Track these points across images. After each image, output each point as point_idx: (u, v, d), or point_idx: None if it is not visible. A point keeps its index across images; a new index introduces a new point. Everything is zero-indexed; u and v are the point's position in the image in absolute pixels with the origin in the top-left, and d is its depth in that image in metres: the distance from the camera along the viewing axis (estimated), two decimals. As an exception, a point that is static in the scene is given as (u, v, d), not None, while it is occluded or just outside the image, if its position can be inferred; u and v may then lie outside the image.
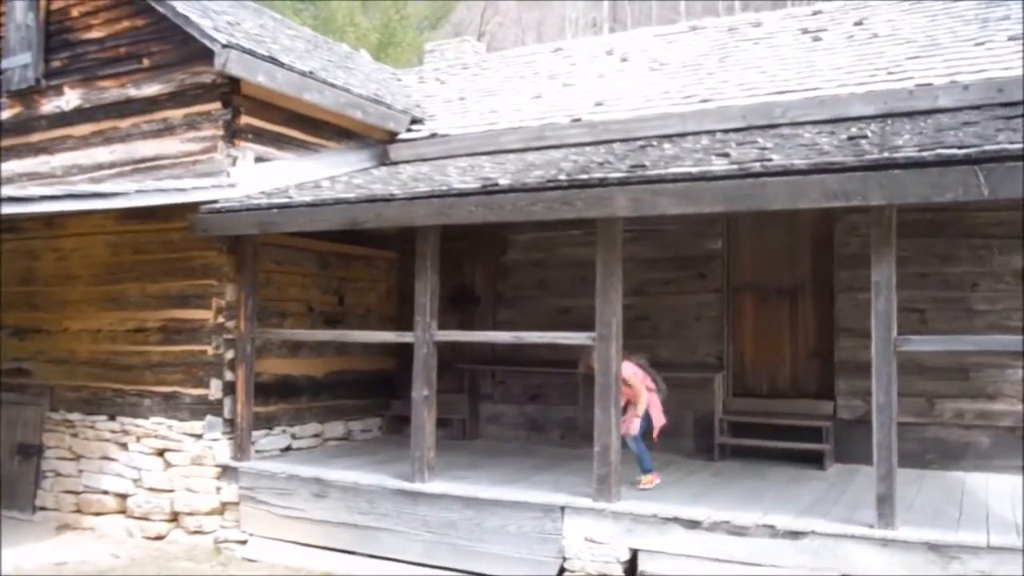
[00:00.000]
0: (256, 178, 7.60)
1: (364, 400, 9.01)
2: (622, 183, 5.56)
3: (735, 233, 8.21)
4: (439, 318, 8.95)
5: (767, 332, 8.05)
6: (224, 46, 7.07)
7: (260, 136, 7.75)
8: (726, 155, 5.95)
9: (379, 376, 9.23)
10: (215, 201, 7.19)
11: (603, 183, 5.62)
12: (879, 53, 8.05)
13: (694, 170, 5.42)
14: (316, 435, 8.36)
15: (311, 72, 7.95)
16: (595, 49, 10.61)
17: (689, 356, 8.22)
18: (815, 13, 9.99)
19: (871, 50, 8.19)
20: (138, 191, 6.53)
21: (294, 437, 8.09)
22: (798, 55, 8.66)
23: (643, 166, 5.89)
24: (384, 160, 9.12)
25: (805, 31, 9.32)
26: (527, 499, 5.98)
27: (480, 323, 8.91)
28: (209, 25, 7.21)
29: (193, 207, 7.20)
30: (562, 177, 5.85)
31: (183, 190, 6.92)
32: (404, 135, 9.11)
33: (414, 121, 9.26)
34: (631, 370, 6.34)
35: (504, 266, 9.08)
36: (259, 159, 7.72)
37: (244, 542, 7.05)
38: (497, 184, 5.95)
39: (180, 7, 7.35)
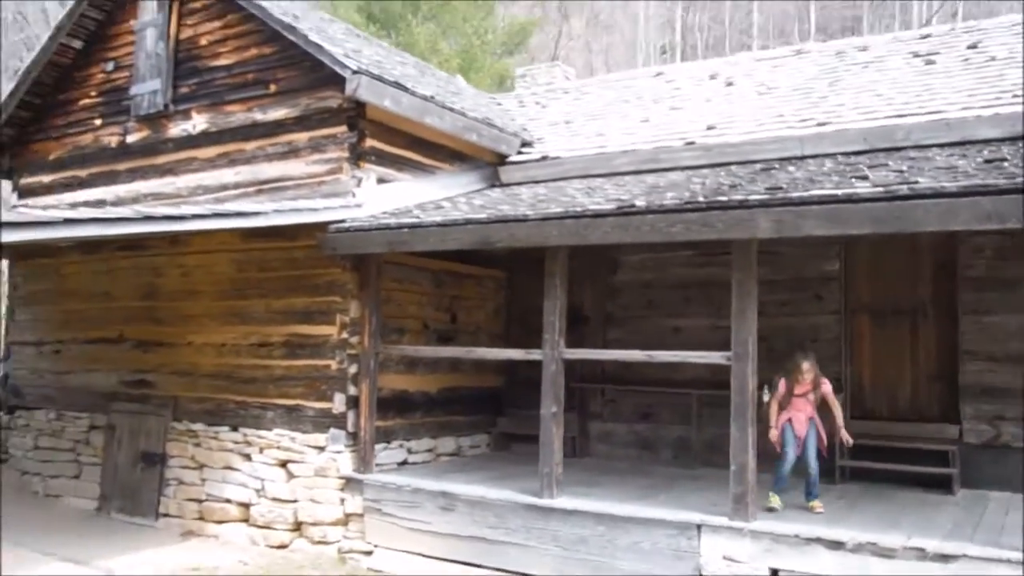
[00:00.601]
0: (379, 199, 7.82)
1: (473, 416, 9.14)
2: (764, 205, 5.60)
3: (852, 254, 8.15)
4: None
5: (886, 354, 7.96)
6: (354, 72, 7.32)
7: (381, 158, 7.98)
8: (864, 177, 5.95)
9: (487, 393, 9.35)
10: (343, 220, 7.41)
11: (744, 205, 5.66)
12: (1000, 75, 7.96)
13: (839, 192, 5.44)
14: (429, 450, 8.49)
15: (432, 97, 8.17)
16: (698, 73, 10.69)
17: (806, 378, 8.15)
18: (924, 37, 9.94)
19: (991, 72, 8.11)
20: (276, 211, 6.78)
21: (410, 451, 8.23)
22: (912, 78, 8.61)
23: (780, 188, 5.92)
24: (493, 182, 9.29)
25: (916, 54, 9.27)
26: (662, 516, 6.00)
27: (590, 343, 8.95)
28: (340, 53, 7.48)
29: (320, 226, 7.42)
30: (700, 199, 5.92)
31: (315, 210, 7.16)
32: (514, 157, 9.27)
33: (523, 144, 9.42)
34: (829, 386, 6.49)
35: (613, 286, 9.14)
36: (380, 180, 7.94)
37: (369, 553, 7.18)
38: (634, 205, 6.04)
39: (312, 36, 7.63)
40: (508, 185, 9.08)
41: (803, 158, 7.80)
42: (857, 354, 8.15)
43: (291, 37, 7.78)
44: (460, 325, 9.01)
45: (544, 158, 9.05)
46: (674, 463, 8.55)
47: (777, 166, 7.48)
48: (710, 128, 8.60)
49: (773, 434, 6.42)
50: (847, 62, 9.65)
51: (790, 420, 6.43)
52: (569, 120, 10.18)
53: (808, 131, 7.97)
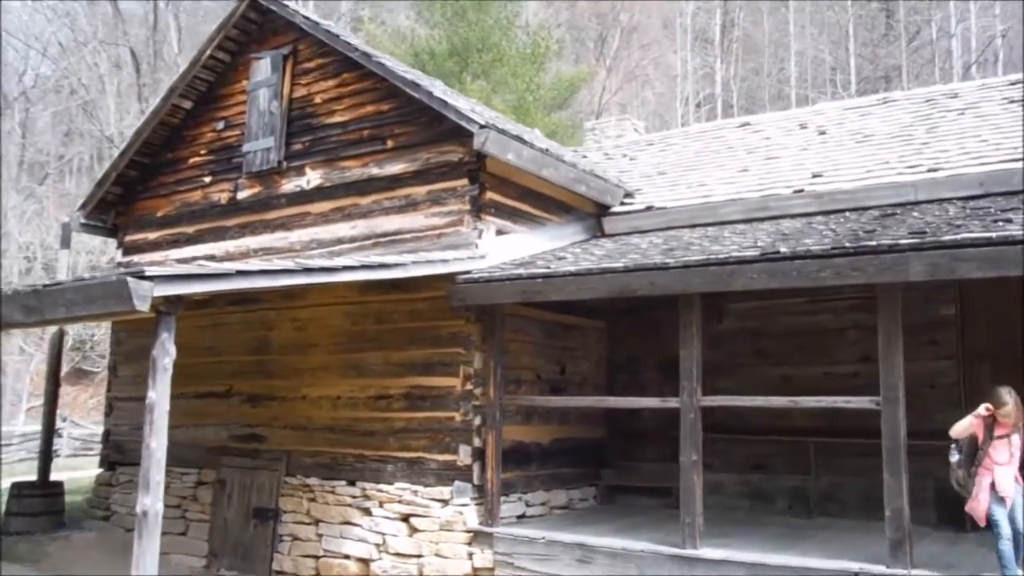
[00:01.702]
0: (499, 250, 7.93)
1: (579, 469, 9.09)
2: (916, 249, 5.62)
3: (968, 298, 8.12)
4: (655, 386, 9.11)
5: (1012, 401, 7.84)
6: (482, 127, 7.48)
7: (499, 210, 8.11)
8: (1008, 220, 5.97)
9: (591, 445, 9.32)
10: (470, 271, 7.51)
11: (895, 249, 5.69)
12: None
13: (993, 235, 5.46)
14: (543, 503, 8.44)
15: (547, 149, 8.33)
16: (785, 123, 10.82)
17: (925, 424, 8.01)
18: (1013, 83, 10.02)
19: (1099, 116, 8.16)
20: (414, 262, 6.89)
21: (527, 504, 8.18)
22: (1012, 123, 8.67)
23: (924, 232, 5.95)
24: (594, 233, 9.39)
25: (1011, 100, 9.35)
26: (817, 565, 5.92)
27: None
28: (466, 108, 7.66)
29: (446, 277, 7.51)
30: (846, 244, 5.95)
31: (447, 261, 7.27)
32: (616, 208, 9.38)
33: (626, 195, 9.54)
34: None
35: (719, 335, 9.13)
36: (499, 232, 8.06)
37: (501, 607, 7.12)
38: (779, 251, 6.08)
39: (437, 92, 7.84)
40: (613, 236, 9.17)
41: (918, 203, 7.83)
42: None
43: (415, 94, 7.98)
44: (568, 376, 9.03)
45: (649, 208, 9.15)
46: (789, 513, 8.43)
47: (898, 212, 7.51)
48: (816, 176, 8.68)
49: (978, 509, 5.58)
50: (940, 109, 9.74)
51: (992, 483, 5.55)
52: (663, 171, 10.31)
53: (919, 177, 8.02)
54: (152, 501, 5.25)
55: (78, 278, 5.34)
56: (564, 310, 8.82)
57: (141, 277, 4.92)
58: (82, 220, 10.85)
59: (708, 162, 10.18)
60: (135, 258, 10.68)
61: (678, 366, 9.24)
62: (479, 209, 7.86)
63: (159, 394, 5.31)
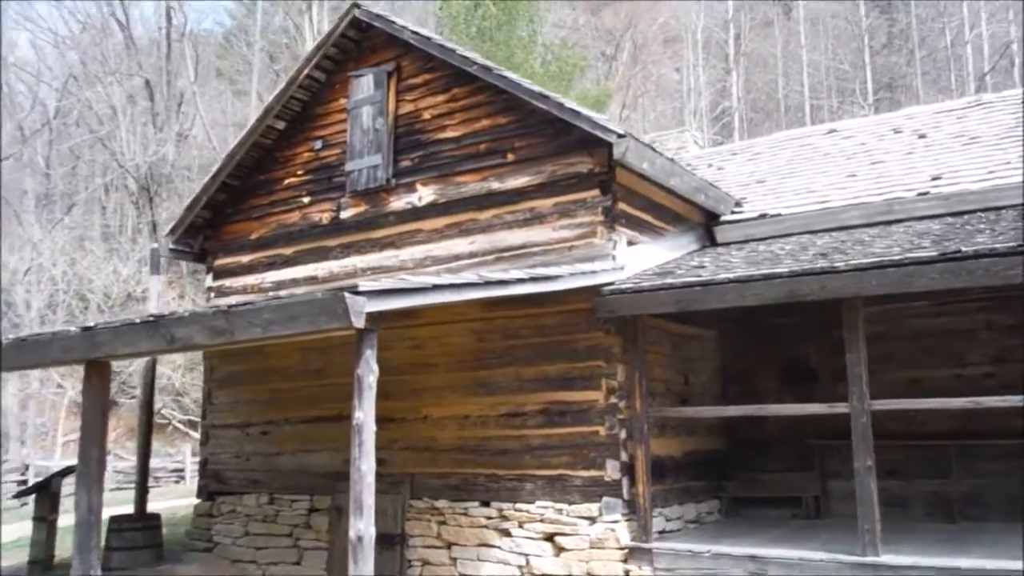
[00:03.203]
0: (632, 261, 7.83)
1: (704, 482, 8.93)
2: (1112, 243, 5.56)
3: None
4: (772, 395, 8.99)
5: None
6: (620, 136, 7.41)
7: (628, 221, 8.02)
8: None
9: (713, 457, 9.18)
10: (612, 283, 7.40)
11: (1089, 244, 5.62)
12: None
13: None
14: (679, 517, 8.28)
15: (672, 159, 8.25)
16: (875, 129, 10.81)
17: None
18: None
19: None
20: (571, 274, 6.79)
21: (666, 519, 8.01)
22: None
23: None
24: (704, 243, 9.31)
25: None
26: (1009, 567, 5.79)
27: (820, 399, 8.80)
28: (603, 118, 7.58)
29: (586, 290, 7.38)
30: (1030, 241, 5.88)
31: (595, 272, 7.16)
32: (728, 217, 9.31)
33: (736, 204, 9.48)
34: None
35: (840, 342, 9.02)
36: (629, 243, 7.96)
37: (666, 625, 6.95)
38: (960, 251, 6.00)
39: (568, 104, 7.76)
40: (728, 244, 9.09)
41: (1051, 202, 7.80)
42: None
43: (542, 106, 7.89)
44: (691, 387, 8.91)
45: (763, 216, 9.07)
46: (929, 519, 8.31)
47: (1041, 211, 7.47)
48: (935, 179, 8.63)
49: None
50: (1040, 110, 9.74)
51: None
52: (761, 180, 10.26)
53: (1049, 176, 7.98)
54: (365, 526, 5.08)
55: (271, 298, 5.19)
56: (684, 321, 8.72)
57: (355, 292, 4.79)
58: (171, 245, 10.71)
59: (807, 169, 10.13)
60: (227, 282, 10.53)
61: (798, 372, 9.24)
62: (613, 220, 7.76)
63: (366, 414, 5.16)
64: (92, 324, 6.35)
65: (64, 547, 10.72)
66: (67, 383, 23.55)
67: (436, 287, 5.46)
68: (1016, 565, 5.84)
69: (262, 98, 40.61)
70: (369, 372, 5.21)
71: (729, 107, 33.88)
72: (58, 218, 28.81)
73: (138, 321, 5.93)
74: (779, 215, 9.00)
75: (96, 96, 34.63)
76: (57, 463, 21.61)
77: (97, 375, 6.59)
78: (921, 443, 8.29)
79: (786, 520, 8.68)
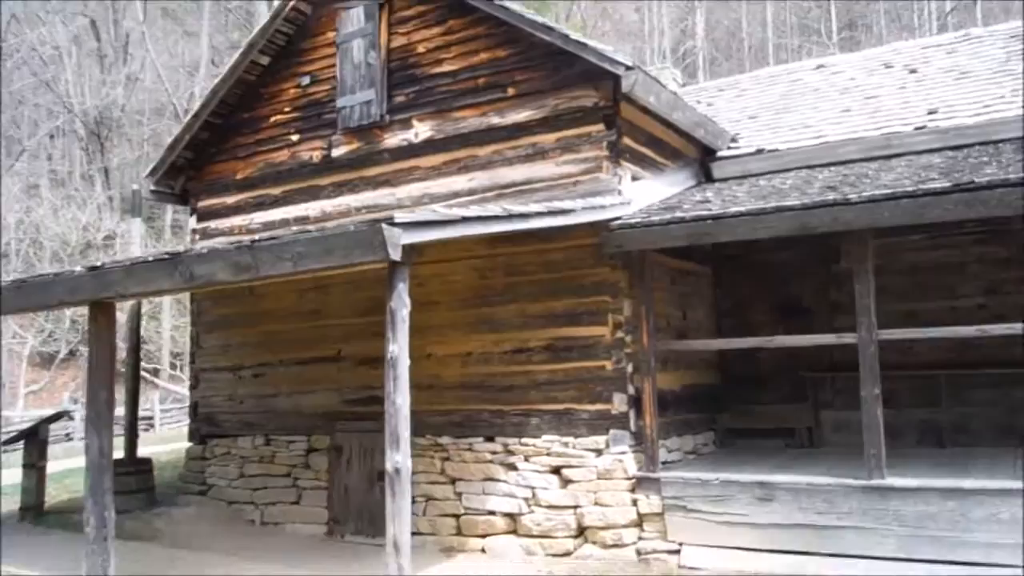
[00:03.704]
0: (637, 196, 7.80)
1: (700, 414, 9.08)
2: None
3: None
4: (767, 329, 9.13)
5: None
6: (629, 68, 7.31)
7: (631, 156, 7.97)
8: None
9: (708, 390, 9.32)
10: (619, 217, 7.38)
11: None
12: None
13: None
14: (678, 448, 8.43)
15: (675, 93, 8.19)
16: (864, 64, 10.84)
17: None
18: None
19: None
20: (584, 208, 6.76)
21: (667, 450, 8.15)
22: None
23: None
24: (702, 178, 9.31)
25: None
26: (1016, 486, 6.02)
27: (815, 332, 8.99)
28: (609, 50, 7.46)
29: (592, 225, 7.34)
30: (1042, 170, 5.98)
31: (604, 207, 7.13)
32: (724, 152, 9.31)
33: (731, 140, 9.47)
34: None
35: (837, 276, 9.17)
36: (633, 178, 7.93)
37: (675, 552, 7.10)
38: (973, 181, 6.08)
39: (573, 35, 7.62)
40: (725, 180, 9.10)
41: (1048, 135, 7.93)
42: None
43: (546, 37, 7.74)
44: (689, 321, 9.00)
45: (760, 151, 9.09)
46: (919, 446, 8.57)
47: (1039, 143, 7.59)
48: (932, 113, 8.71)
49: None
50: (1028, 44, 9.84)
51: None
52: (753, 115, 10.25)
53: (1044, 109, 8.10)
54: (403, 458, 5.08)
55: (300, 231, 5.07)
56: (682, 257, 8.76)
57: (392, 224, 4.69)
58: (151, 187, 10.39)
59: (800, 104, 10.14)
60: (212, 224, 10.29)
61: (793, 308, 9.38)
62: (618, 155, 7.70)
63: (400, 347, 5.13)
64: (99, 263, 6.16)
65: (52, 493, 10.60)
66: (28, 333, 22.96)
67: (465, 219, 5.39)
68: (1016, 484, 6.07)
69: (213, 39, 39.38)
70: (403, 305, 5.17)
71: (693, 47, 33.72)
72: (10, 163, 27.75)
73: (151, 259, 5.77)
74: (776, 150, 9.02)
75: (39, 37, 33.18)
76: (20, 413, 21.21)
77: (103, 316, 6.43)
78: (914, 373, 8.50)
79: (780, 450, 8.89)
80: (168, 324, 28.75)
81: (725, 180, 9.09)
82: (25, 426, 15.50)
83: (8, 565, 7.49)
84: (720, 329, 9.60)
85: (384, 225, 4.66)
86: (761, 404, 9.32)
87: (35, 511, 9.71)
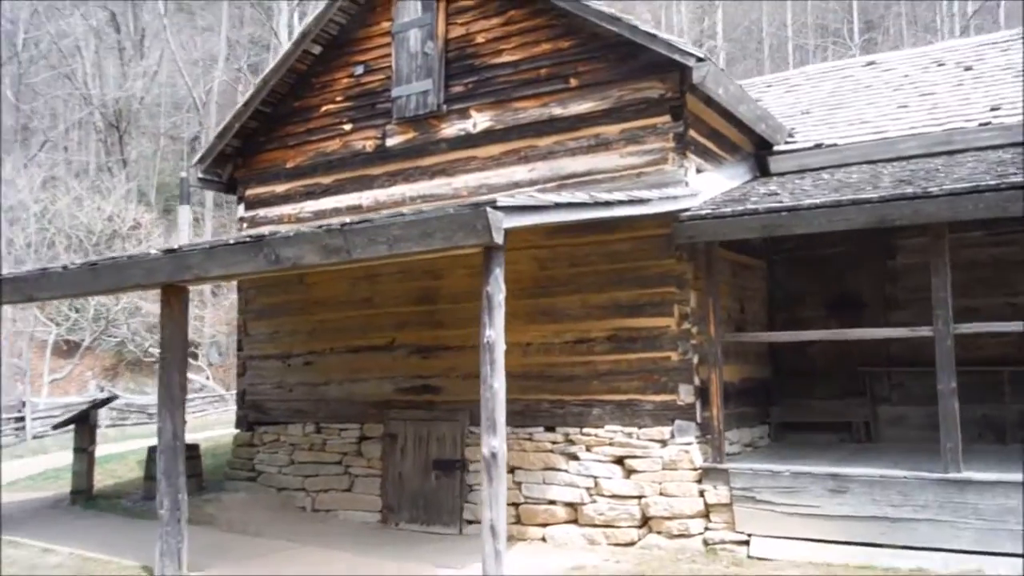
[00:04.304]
0: (702, 188, 7.78)
1: (754, 407, 9.06)
2: None
3: None
4: (819, 323, 9.10)
5: None
6: (700, 59, 7.29)
7: (695, 148, 7.95)
8: None
9: (760, 384, 9.30)
10: (687, 209, 7.36)
11: None
12: None
13: None
14: (737, 441, 8.41)
15: (741, 86, 8.16)
16: (917, 61, 10.80)
17: None
18: None
19: None
20: (660, 198, 6.74)
21: (730, 443, 8.14)
22: None
23: None
24: (757, 172, 9.28)
25: None
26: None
27: (870, 326, 8.96)
28: (680, 41, 7.44)
29: (653, 216, 7.28)
30: None
31: (676, 197, 7.11)
32: (781, 147, 9.28)
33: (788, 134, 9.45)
34: None
35: (892, 270, 9.16)
36: (698, 171, 7.91)
37: (744, 542, 7.08)
38: (1058, 173, 6.06)
39: (642, 26, 7.59)
40: (782, 174, 9.08)
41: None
42: None
43: (613, 28, 7.72)
44: (747, 315, 8.98)
45: (818, 146, 9.07)
46: (980, 441, 8.53)
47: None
48: (994, 109, 8.68)
49: None
50: (1083, 42, 9.81)
51: None
52: (806, 111, 10.23)
53: (1108, 106, 8.08)
54: (499, 443, 5.05)
55: (395, 214, 5.06)
56: (739, 250, 8.75)
57: (495, 207, 4.67)
58: (199, 175, 10.38)
59: (853, 100, 10.11)
60: (260, 212, 10.29)
61: (848, 302, 9.37)
62: (684, 147, 7.68)
63: (497, 332, 5.09)
64: (175, 247, 6.16)
65: (97, 478, 10.60)
66: (51, 323, 22.98)
67: (558, 205, 5.38)
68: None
69: (229, 35, 39.36)
70: (499, 290, 5.14)
71: (714, 46, 33.68)
72: (32, 154, 27.77)
73: (232, 242, 5.76)
74: (835, 145, 8.99)
75: (58, 30, 33.18)
76: (45, 400, 21.20)
77: (176, 300, 6.43)
78: (977, 368, 8.46)
79: (837, 444, 8.86)
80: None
81: (782, 174, 9.07)
82: (68, 413, 15.57)
83: (76, 548, 7.49)
84: (773, 323, 9.58)
85: (488, 208, 4.64)
86: (815, 398, 9.29)
87: (85, 495, 9.71)
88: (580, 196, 5.82)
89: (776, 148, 9.27)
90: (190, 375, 26.90)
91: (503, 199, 4.85)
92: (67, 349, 23.48)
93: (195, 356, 30.19)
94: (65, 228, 22.64)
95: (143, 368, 29.89)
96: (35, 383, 22.20)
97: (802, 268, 9.48)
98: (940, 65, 10.38)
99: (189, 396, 22.88)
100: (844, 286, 9.32)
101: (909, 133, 8.74)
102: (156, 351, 26.82)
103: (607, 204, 5.93)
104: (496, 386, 5.11)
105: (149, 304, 23.54)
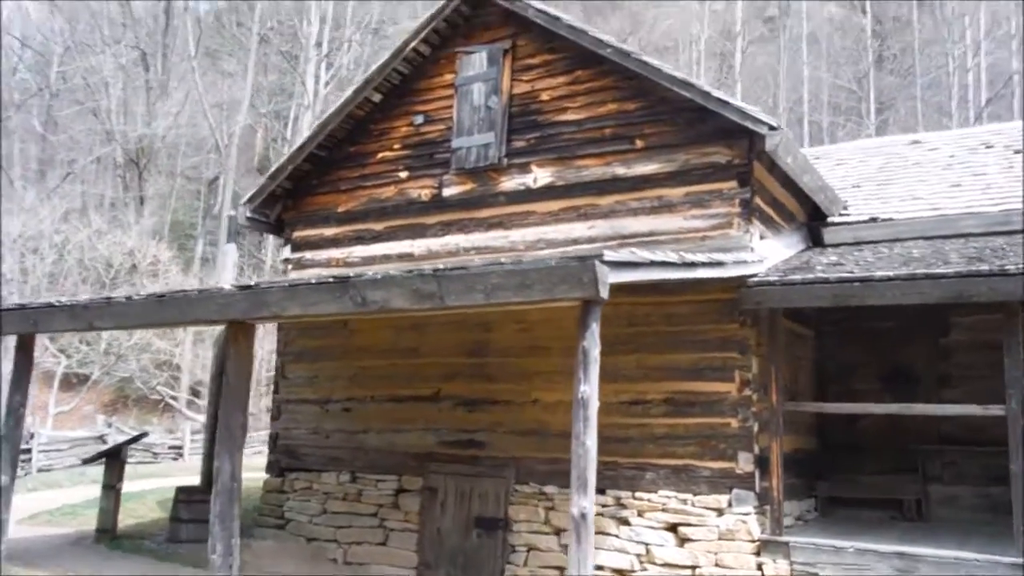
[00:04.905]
0: (766, 254, 7.77)
1: (801, 480, 8.89)
2: None
3: None
4: (871, 397, 9.00)
5: None
6: (772, 128, 7.34)
7: (759, 215, 7.95)
8: None
9: (808, 456, 9.15)
10: (754, 275, 7.33)
11: None
12: None
13: None
14: (788, 514, 8.22)
15: (806, 156, 8.22)
16: (962, 142, 10.94)
17: None
18: None
19: None
20: (734, 262, 6.72)
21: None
22: None
23: None
24: (810, 243, 9.29)
25: None
26: None
27: (922, 402, 8.87)
28: (755, 109, 7.50)
29: (717, 281, 7.23)
30: None
31: (745, 263, 7.09)
32: (836, 219, 9.31)
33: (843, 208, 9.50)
34: None
35: (946, 347, 9.10)
36: (760, 237, 7.91)
37: (803, 620, 6.89)
38: None
39: (715, 92, 7.66)
40: (837, 245, 9.08)
41: None
42: None
43: (685, 93, 7.78)
44: (799, 385, 8.89)
45: (874, 219, 9.10)
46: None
47: None
48: (1050, 192, 8.74)
49: None
50: None
51: None
52: (856, 185, 10.30)
53: None
54: (588, 503, 4.90)
55: (492, 263, 5.00)
56: (794, 319, 8.70)
57: (602, 261, 4.63)
58: (248, 214, 10.37)
59: (903, 176, 10.20)
60: (307, 254, 10.25)
61: (901, 377, 9.27)
62: (750, 213, 7.69)
63: (592, 387, 5.00)
64: (251, 283, 6.09)
65: (120, 516, 10.33)
66: (60, 355, 22.75)
67: (653, 263, 5.33)
68: None
69: (256, 80, 39.88)
70: (595, 345, 5.06)
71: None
72: (54, 185, 27.86)
73: (314, 281, 5.70)
74: (891, 219, 9.03)
75: (88, 67, 33.61)
76: (49, 433, 20.85)
77: (244, 337, 6.34)
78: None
79: (887, 522, 8.67)
80: (189, 354, 28.53)
81: (836, 246, 9.08)
82: (75, 446, 15.29)
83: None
84: (822, 393, 9.47)
85: (597, 262, 4.59)
86: (863, 473, 9.14)
87: (110, 534, 9.46)
88: (671, 255, 5.79)
89: (830, 219, 9.30)
90: (191, 414, 26.64)
91: (609, 253, 4.81)
92: (75, 382, 23.21)
93: (197, 395, 29.92)
94: (85, 260, 22.59)
95: (146, 405, 29.55)
96: (39, 415, 21.87)
97: (853, 340, 9.41)
98: (988, 147, 10.50)
99: (198, 436, 22.46)
100: (896, 361, 9.24)
101: (966, 211, 8.79)
102: (164, 389, 26.60)
103: (691, 265, 5.90)
104: (589, 444, 4.99)
105: (160, 341, 23.37)
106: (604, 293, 4.76)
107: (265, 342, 23.06)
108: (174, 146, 36.53)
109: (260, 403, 26.49)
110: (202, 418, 25.92)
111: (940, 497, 8.85)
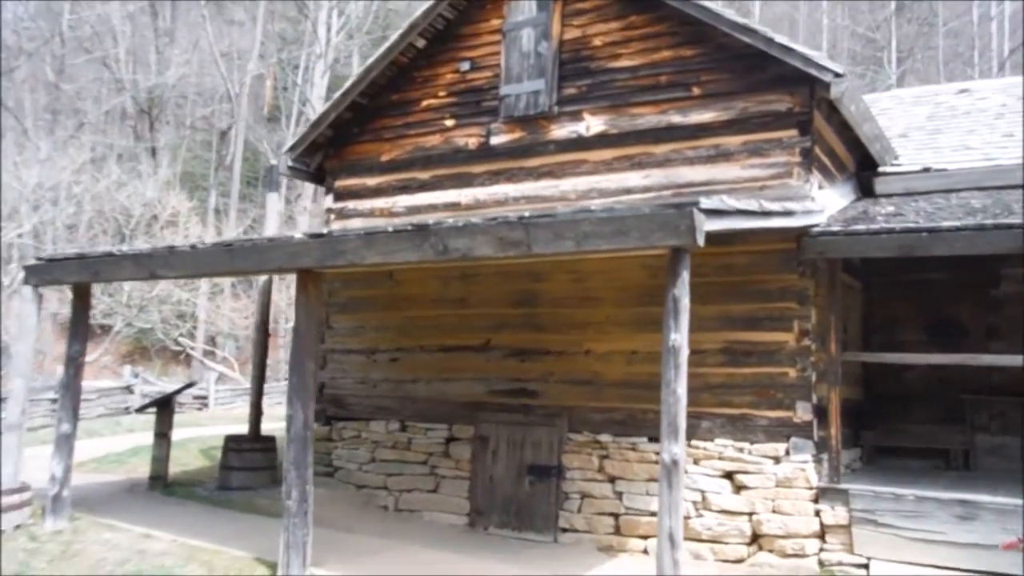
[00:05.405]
0: (826, 204, 7.72)
1: (848, 430, 8.93)
2: None
3: None
4: (917, 347, 9.03)
5: None
6: (837, 75, 7.22)
7: (817, 164, 7.88)
8: None
9: (855, 406, 9.19)
10: (816, 225, 7.28)
11: None
12: None
13: None
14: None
15: (867, 104, 8.11)
16: (1012, 91, 10.78)
17: None
18: None
19: None
20: (804, 211, 6.67)
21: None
22: None
23: None
24: (859, 193, 9.23)
25: None
26: None
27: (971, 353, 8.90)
28: (818, 55, 7.37)
29: (774, 231, 7.17)
30: None
31: (811, 212, 7.04)
32: (887, 169, 9.23)
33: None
34: None
35: (996, 299, 9.09)
36: (819, 187, 7.84)
37: (863, 566, 6.98)
38: None
39: (778, 38, 7.53)
40: (889, 196, 9.02)
41: None
42: None
43: (745, 39, 7.65)
44: (849, 335, 8.90)
45: (926, 169, 9.01)
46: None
47: None
48: (1109, 141, 8.65)
49: None
50: None
51: None
52: (903, 134, 10.19)
53: None
54: (680, 450, 4.92)
55: (582, 209, 4.96)
56: (844, 270, 8.67)
57: (699, 209, 4.59)
58: (289, 163, 10.30)
59: (952, 126, 10.09)
60: (350, 204, 10.20)
61: (948, 329, 9.29)
62: (810, 162, 7.61)
63: (682, 336, 4.99)
64: (323, 232, 6.06)
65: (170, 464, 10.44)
66: (51, 305, 22.74)
67: (739, 211, 5.29)
68: None
69: (266, 28, 39.29)
70: (684, 293, 5.04)
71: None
72: (68, 135, 27.63)
73: (391, 229, 5.67)
74: (944, 170, 8.94)
75: (94, 16, 33.10)
76: (46, 384, 20.94)
77: (315, 286, 6.34)
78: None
79: (934, 471, 8.77)
80: (204, 306, 28.56)
81: (888, 196, 9.01)
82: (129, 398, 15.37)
83: (175, 535, 7.36)
84: (868, 344, 9.50)
85: (695, 209, 4.56)
86: (909, 423, 9.21)
87: (162, 481, 9.58)
88: (752, 203, 5.75)
89: (881, 170, 9.21)
90: (213, 365, 26.81)
91: (705, 201, 4.77)
92: (98, 333, 23.28)
93: (215, 345, 30.08)
94: (105, 211, 22.50)
95: (163, 356, 29.71)
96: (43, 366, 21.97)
97: (900, 292, 9.41)
98: (1037, 96, 10.36)
99: (219, 387, 22.67)
100: (944, 312, 9.26)
101: (1020, 162, 8.69)
102: (185, 340, 26.72)
103: (767, 214, 5.86)
104: (679, 391, 4.99)
105: (181, 292, 23.39)
106: (700, 240, 4.73)
107: (284, 295, 23.13)
108: (184, 96, 36.16)
109: (280, 354, 26.64)
110: (222, 368, 26.14)
111: (987, 447, 8.92)
